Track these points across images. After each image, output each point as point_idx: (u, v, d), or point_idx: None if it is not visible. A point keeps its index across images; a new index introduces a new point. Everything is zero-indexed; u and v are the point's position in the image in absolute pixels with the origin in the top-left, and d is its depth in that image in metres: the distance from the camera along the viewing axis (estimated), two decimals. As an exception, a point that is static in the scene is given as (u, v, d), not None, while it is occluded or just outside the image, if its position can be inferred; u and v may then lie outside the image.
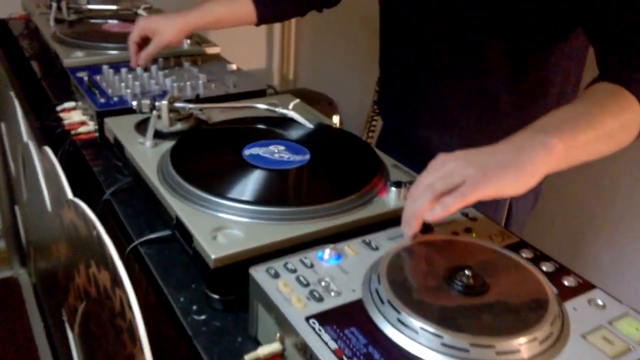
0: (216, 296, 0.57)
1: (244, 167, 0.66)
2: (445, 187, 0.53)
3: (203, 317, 0.56)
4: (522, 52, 0.84)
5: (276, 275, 0.50)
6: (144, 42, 1.00)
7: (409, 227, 0.55)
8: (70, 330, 0.95)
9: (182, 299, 0.58)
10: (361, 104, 2.41)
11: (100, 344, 0.63)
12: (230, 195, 0.60)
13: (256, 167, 0.66)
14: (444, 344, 0.42)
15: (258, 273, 0.50)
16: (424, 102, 0.94)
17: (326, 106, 2.56)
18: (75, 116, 0.92)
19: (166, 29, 0.97)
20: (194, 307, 0.57)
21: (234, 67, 1.06)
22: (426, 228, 0.59)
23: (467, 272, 0.48)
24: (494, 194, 0.53)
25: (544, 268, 0.54)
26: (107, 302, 0.53)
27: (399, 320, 0.45)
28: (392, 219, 0.64)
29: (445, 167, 0.55)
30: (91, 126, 0.89)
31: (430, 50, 0.91)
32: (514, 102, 0.89)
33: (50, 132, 0.94)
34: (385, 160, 0.74)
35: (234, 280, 0.56)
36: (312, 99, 2.54)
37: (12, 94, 1.12)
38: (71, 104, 0.96)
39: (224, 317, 0.57)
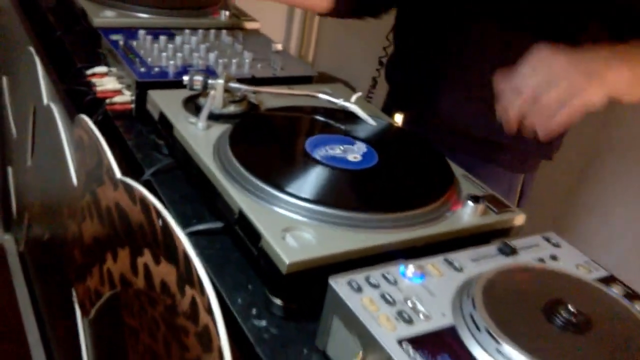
0: (279, 302, 0.55)
1: (312, 163, 0.65)
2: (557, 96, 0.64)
3: (264, 322, 0.55)
4: None
5: (359, 289, 0.49)
6: None
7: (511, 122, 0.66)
8: (81, 313, 0.94)
9: (239, 301, 0.57)
10: (384, 95, 2.39)
11: (137, 339, 0.61)
12: (302, 194, 0.58)
13: (325, 165, 0.64)
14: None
15: (339, 285, 0.49)
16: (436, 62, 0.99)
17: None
18: (108, 83, 0.89)
19: None
20: (253, 311, 0.56)
21: (279, 47, 1.04)
22: (510, 251, 0.59)
23: (570, 307, 0.48)
24: (602, 98, 0.64)
25: (639, 307, 0.54)
26: (163, 297, 0.52)
27: (498, 351, 0.44)
28: (467, 238, 0.64)
29: (551, 68, 0.65)
30: (127, 96, 0.87)
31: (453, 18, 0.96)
32: None
33: (78, 97, 0.92)
34: (454, 168, 0.73)
35: (299, 287, 0.55)
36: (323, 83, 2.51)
37: (32, 49, 1.09)
38: (103, 69, 0.93)
39: (286, 325, 0.56)
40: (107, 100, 0.86)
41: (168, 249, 0.49)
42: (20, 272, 1.79)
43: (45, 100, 0.98)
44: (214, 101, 0.73)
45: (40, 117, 1.07)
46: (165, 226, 0.49)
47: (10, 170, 1.73)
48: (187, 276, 0.46)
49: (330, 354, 0.51)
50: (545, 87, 0.64)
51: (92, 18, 1.03)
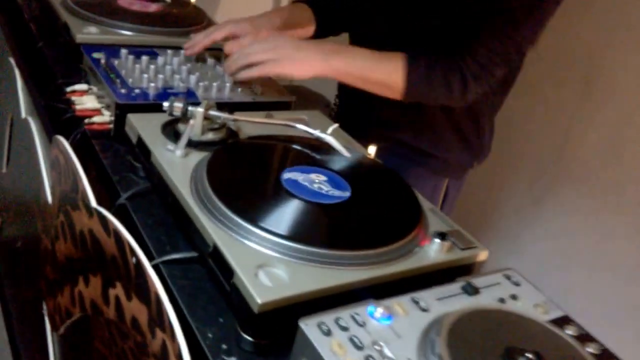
0: (250, 338, 0.54)
1: (287, 197, 0.63)
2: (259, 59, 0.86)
3: (234, 359, 0.54)
4: None
5: (328, 333, 0.48)
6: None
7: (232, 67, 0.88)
8: (51, 327, 0.90)
9: (210, 335, 0.55)
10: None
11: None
12: (277, 230, 0.57)
13: (299, 199, 0.63)
14: None
15: (309, 327, 0.48)
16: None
17: (323, 108, 2.53)
18: (87, 102, 0.86)
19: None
20: (223, 346, 0.55)
21: (259, 70, 1.02)
22: (473, 290, 0.59)
23: (530, 355, 0.47)
24: (280, 73, 0.87)
25: (589, 349, 0.54)
26: (134, 333, 0.50)
27: (461, 402, 0.43)
28: (433, 273, 0.64)
29: (271, 42, 0.88)
30: (106, 117, 0.84)
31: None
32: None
33: (57, 113, 0.89)
34: (422, 202, 0.73)
35: (270, 325, 0.54)
36: (308, 99, 2.51)
37: (12, 60, 1.05)
38: (83, 86, 0.90)
39: (254, 360, 0.54)
40: (86, 120, 0.83)
41: (140, 287, 0.47)
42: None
43: (23, 114, 0.95)
44: (193, 129, 0.71)
45: (17, 129, 1.04)
46: (139, 265, 0.47)
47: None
48: (159, 319, 0.45)
49: (298, 393, 0.50)
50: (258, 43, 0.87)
51: (75, 34, 1.00)
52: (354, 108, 1.20)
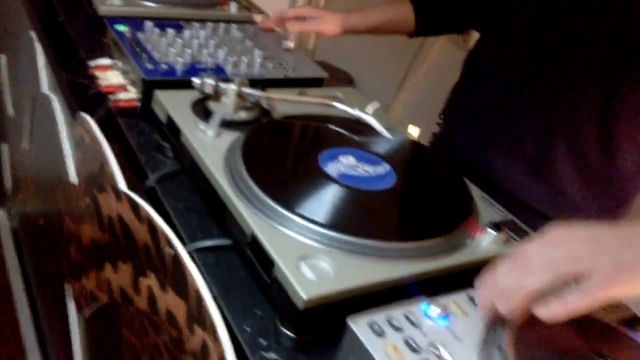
0: (291, 334, 0.50)
1: (330, 183, 0.59)
2: (570, 273, 0.43)
3: (272, 355, 0.50)
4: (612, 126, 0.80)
5: (381, 333, 0.44)
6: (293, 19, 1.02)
7: (508, 304, 0.44)
8: (76, 309, 0.88)
9: (248, 329, 0.52)
10: (383, 87, 2.34)
11: (136, 354, 0.56)
12: (321, 220, 0.53)
13: (342, 185, 0.59)
14: None
15: (359, 327, 0.44)
16: (500, 128, 0.89)
17: (345, 84, 2.46)
18: (112, 77, 0.83)
19: (328, 19, 0.99)
20: (262, 341, 0.51)
21: (290, 44, 0.97)
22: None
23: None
24: (625, 294, 0.44)
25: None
26: (169, 328, 0.47)
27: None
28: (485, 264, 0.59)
29: (573, 247, 0.44)
30: (132, 93, 0.80)
31: (528, 85, 0.86)
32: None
33: (80, 90, 0.85)
34: (472, 189, 0.68)
35: (312, 320, 0.50)
36: (331, 74, 2.45)
37: (33, 34, 1.01)
38: (107, 61, 0.86)
39: (295, 357, 0.51)
40: (111, 97, 0.79)
41: (177, 281, 0.43)
42: (13, 248, 1.72)
43: (44, 90, 0.91)
44: (226, 108, 0.67)
45: (39, 105, 1.01)
46: (177, 258, 0.43)
47: (6, 147, 1.66)
48: (199, 316, 0.41)
49: (344, 396, 0.47)
50: (560, 263, 0.44)
51: (97, 6, 0.96)
52: (459, 135, 0.97)
